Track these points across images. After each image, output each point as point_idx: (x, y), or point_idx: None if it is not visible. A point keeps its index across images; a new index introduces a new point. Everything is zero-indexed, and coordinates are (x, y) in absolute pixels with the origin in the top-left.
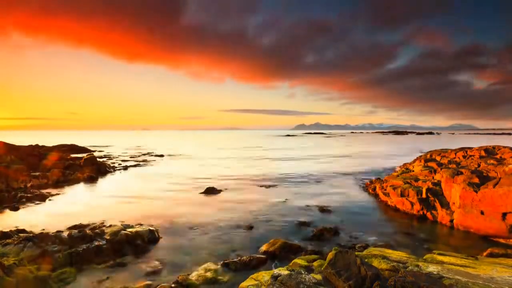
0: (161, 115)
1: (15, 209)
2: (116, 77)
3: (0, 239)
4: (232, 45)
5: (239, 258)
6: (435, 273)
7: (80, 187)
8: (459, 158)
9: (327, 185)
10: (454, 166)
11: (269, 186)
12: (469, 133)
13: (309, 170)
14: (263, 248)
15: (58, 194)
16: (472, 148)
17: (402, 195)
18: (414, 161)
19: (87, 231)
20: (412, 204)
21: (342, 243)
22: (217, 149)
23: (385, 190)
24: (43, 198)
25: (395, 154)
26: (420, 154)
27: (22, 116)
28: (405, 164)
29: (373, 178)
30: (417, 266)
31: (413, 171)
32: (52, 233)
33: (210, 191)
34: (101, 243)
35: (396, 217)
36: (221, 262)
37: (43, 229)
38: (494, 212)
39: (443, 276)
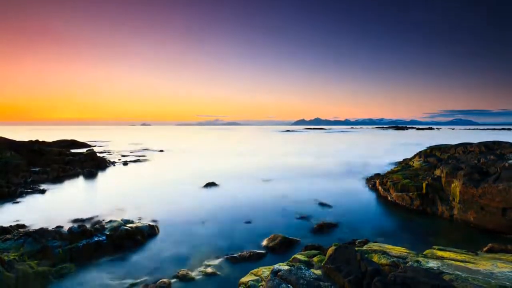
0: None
1: (15, 204)
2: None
3: (0, 234)
4: None
5: (239, 253)
6: (435, 268)
7: (80, 183)
8: (459, 153)
9: (327, 180)
10: (454, 161)
11: (269, 181)
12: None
13: (309, 165)
14: (263, 243)
15: (58, 189)
16: (472, 143)
17: (402, 190)
18: (414, 156)
19: (87, 227)
20: (412, 199)
21: (342, 238)
22: (216, 144)
23: (385, 185)
24: (43, 193)
25: (395, 149)
26: (420, 149)
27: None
28: (405, 159)
29: (373, 173)
30: (417, 261)
31: (413, 166)
32: (52, 228)
33: (210, 185)
34: (101, 239)
35: (396, 213)
36: (221, 257)
37: (43, 225)
38: (494, 208)
39: (443, 272)
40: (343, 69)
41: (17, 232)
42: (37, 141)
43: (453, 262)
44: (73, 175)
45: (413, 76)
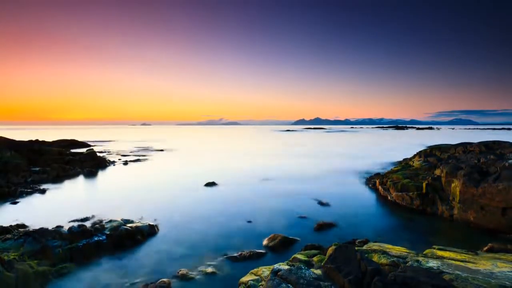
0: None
1: (15, 204)
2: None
3: (1, 234)
4: None
5: (239, 252)
6: (435, 268)
7: (80, 182)
8: (459, 153)
9: (327, 180)
10: (454, 161)
11: (269, 180)
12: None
13: (309, 165)
14: (263, 242)
15: (58, 189)
16: (472, 143)
17: (402, 190)
18: (414, 156)
19: (87, 227)
20: (412, 199)
21: (342, 238)
22: (216, 144)
23: (385, 185)
24: (43, 193)
25: (395, 149)
26: (420, 149)
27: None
28: (405, 159)
29: (373, 173)
30: (417, 261)
31: (413, 166)
32: (52, 228)
33: (210, 185)
34: (101, 239)
35: (396, 212)
36: (221, 257)
37: (43, 224)
38: (494, 207)
39: (443, 271)
40: (344, 69)
41: (17, 232)
42: (37, 140)
43: (453, 261)
44: (73, 175)
45: (413, 76)
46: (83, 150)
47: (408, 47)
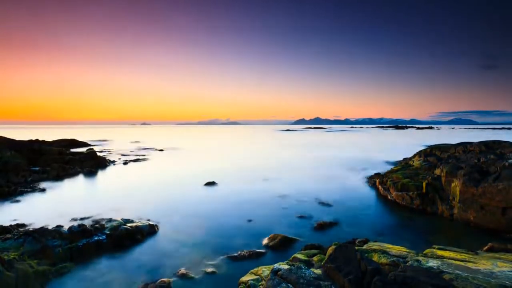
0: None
1: (15, 203)
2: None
3: (0, 233)
4: None
5: (239, 252)
6: (435, 268)
7: (80, 182)
8: (459, 153)
9: (327, 179)
10: (454, 161)
11: (269, 180)
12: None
13: (309, 164)
14: (263, 242)
15: (58, 188)
16: (472, 143)
17: (402, 189)
18: (414, 156)
19: (87, 226)
20: (412, 198)
21: (342, 237)
22: (216, 144)
23: (385, 185)
24: (43, 192)
25: (395, 149)
26: (420, 149)
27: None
28: (405, 159)
29: (373, 173)
30: (417, 261)
31: (413, 166)
32: (52, 228)
33: (210, 184)
34: (101, 238)
35: (396, 212)
36: (221, 256)
37: (43, 224)
38: (494, 207)
39: (443, 271)
40: (344, 69)
41: (17, 232)
42: (37, 140)
43: (453, 261)
44: (73, 174)
45: (413, 76)
46: (83, 149)
47: (408, 47)
